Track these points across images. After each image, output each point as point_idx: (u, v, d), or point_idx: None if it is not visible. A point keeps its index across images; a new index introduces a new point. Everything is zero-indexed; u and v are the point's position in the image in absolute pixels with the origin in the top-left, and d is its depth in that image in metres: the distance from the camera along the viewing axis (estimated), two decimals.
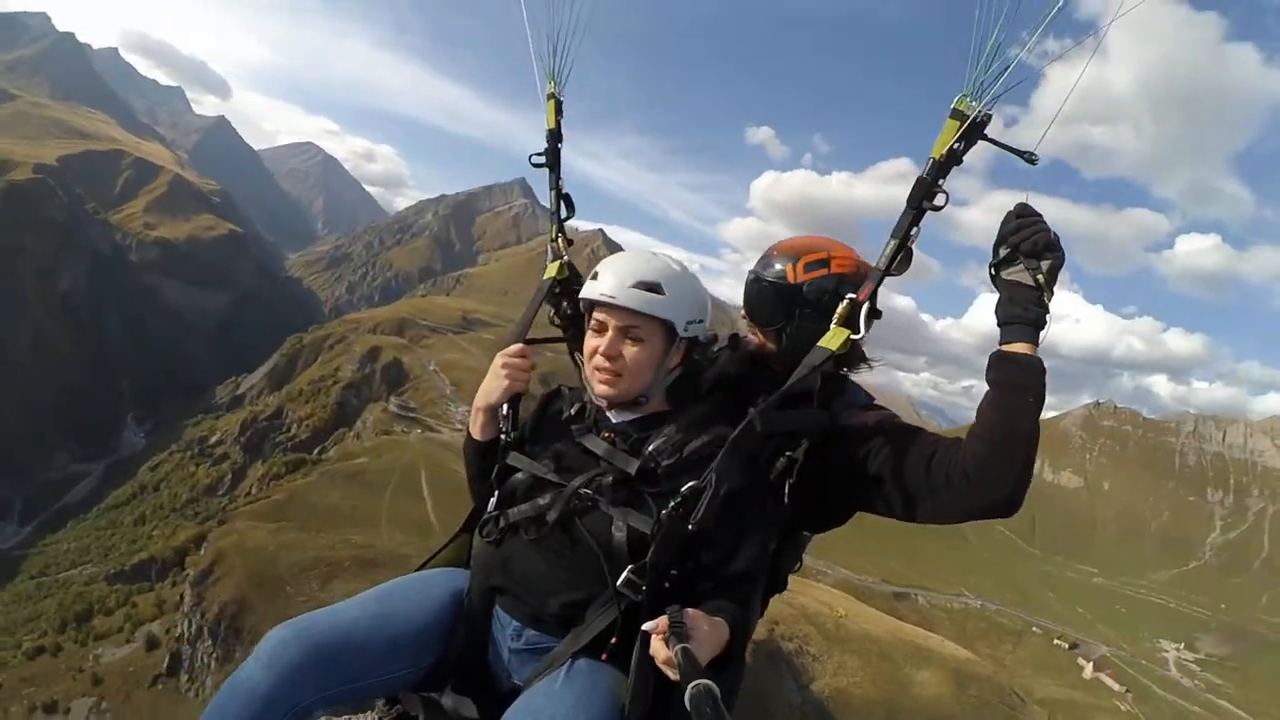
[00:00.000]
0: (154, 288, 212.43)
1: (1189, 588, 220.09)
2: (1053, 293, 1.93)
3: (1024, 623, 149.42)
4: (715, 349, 2.31)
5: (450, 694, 2.16)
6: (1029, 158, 1.90)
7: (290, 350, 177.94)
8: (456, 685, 2.16)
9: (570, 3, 2.57)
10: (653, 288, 2.10)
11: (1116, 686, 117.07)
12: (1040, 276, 1.91)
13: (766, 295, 2.44)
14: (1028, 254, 1.92)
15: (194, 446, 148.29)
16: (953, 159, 1.97)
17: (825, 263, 2.40)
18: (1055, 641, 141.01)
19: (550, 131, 2.79)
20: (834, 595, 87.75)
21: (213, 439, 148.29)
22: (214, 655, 59.84)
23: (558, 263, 2.70)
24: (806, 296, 2.37)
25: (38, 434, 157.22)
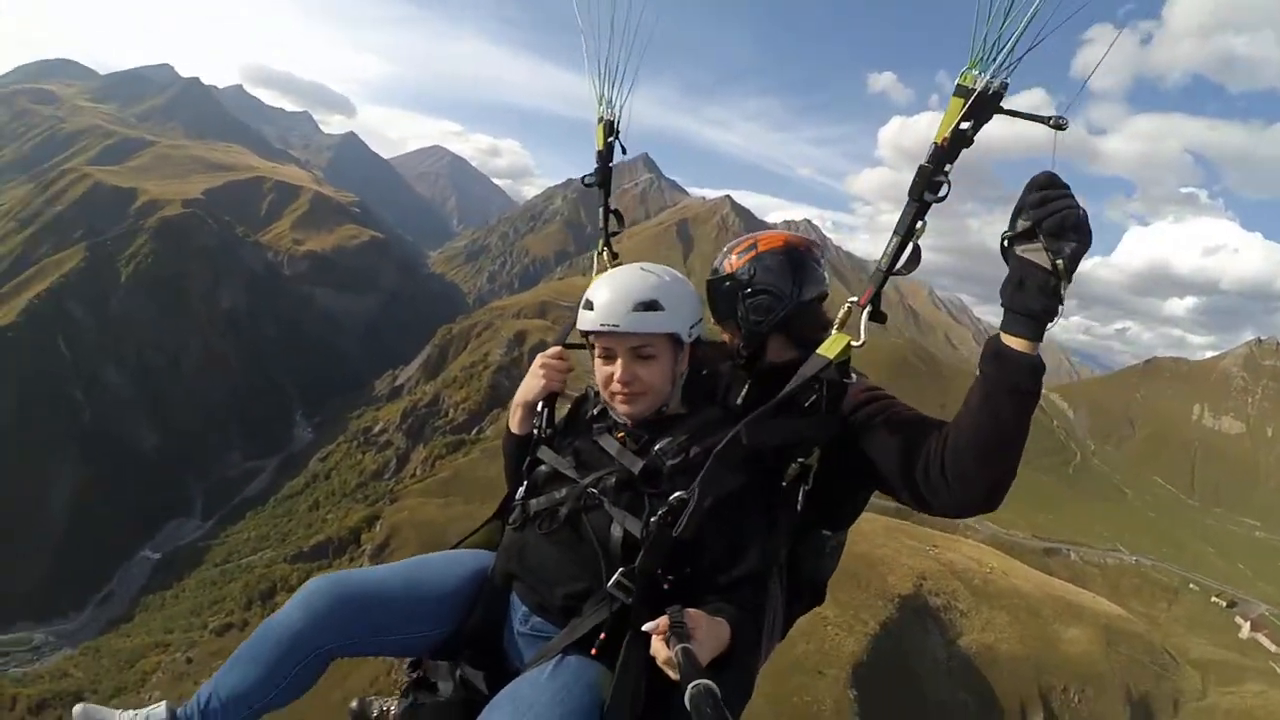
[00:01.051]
0: (308, 297, 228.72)
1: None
2: (1070, 281, 1.72)
3: (1180, 579, 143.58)
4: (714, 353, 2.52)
5: (464, 664, 2.31)
6: (1056, 123, 1.73)
7: (441, 341, 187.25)
8: (471, 658, 2.31)
9: (621, 33, 2.67)
10: (652, 305, 2.15)
11: (1274, 648, 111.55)
12: (1060, 262, 1.69)
13: (715, 292, 2.58)
14: (1050, 233, 1.70)
15: (359, 436, 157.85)
16: (960, 141, 1.82)
17: (753, 246, 2.55)
18: (1213, 599, 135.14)
19: (600, 153, 2.93)
20: (983, 551, 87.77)
21: (376, 428, 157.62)
22: None
23: (603, 274, 2.69)
24: (740, 279, 2.50)
25: (214, 436, 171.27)
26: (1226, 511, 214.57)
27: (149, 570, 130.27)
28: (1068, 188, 1.71)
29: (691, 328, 2.25)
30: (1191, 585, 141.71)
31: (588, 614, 2.08)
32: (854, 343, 2.06)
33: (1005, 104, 1.79)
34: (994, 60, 1.74)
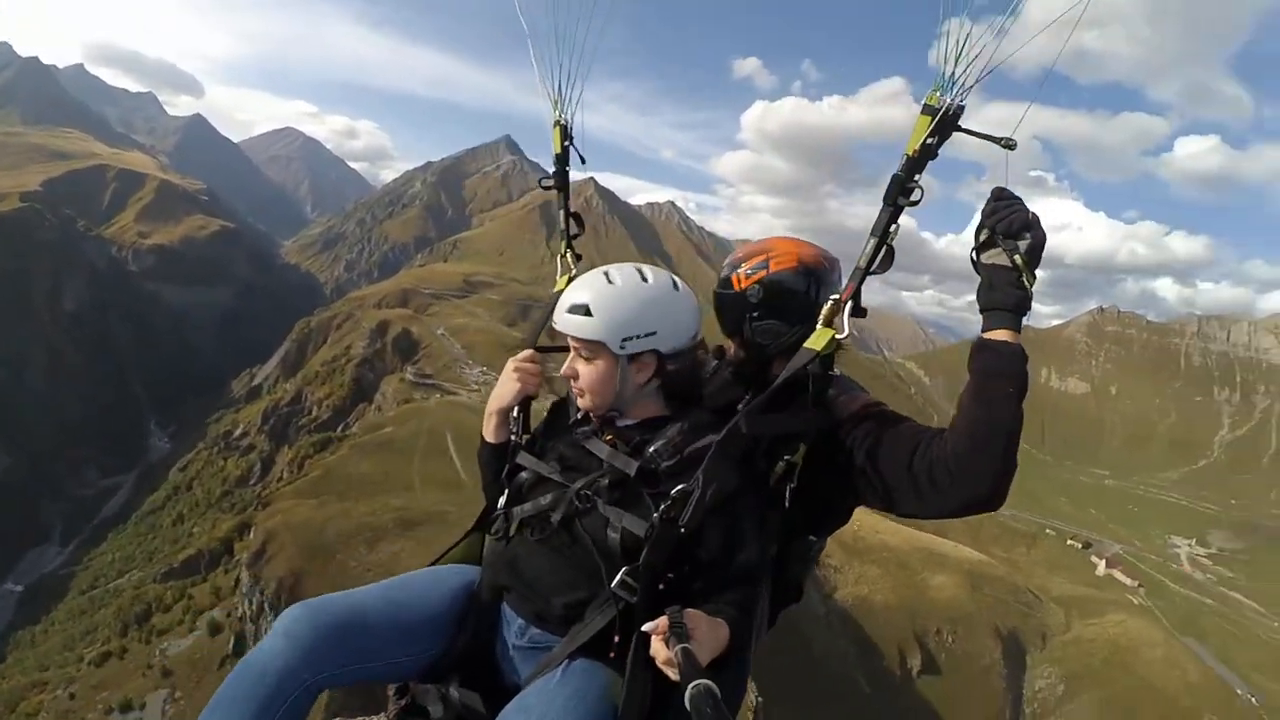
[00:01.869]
0: (155, 293, 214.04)
1: (1199, 485, 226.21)
2: (1034, 275, 1.93)
3: (1037, 526, 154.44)
4: (706, 357, 2.43)
5: (456, 686, 2.22)
6: (1006, 143, 1.90)
7: (299, 335, 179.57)
8: (462, 679, 2.23)
9: (573, 37, 2.69)
10: (582, 310, 2.16)
11: (1129, 582, 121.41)
12: (1018, 257, 1.91)
13: (721, 306, 2.57)
14: (1005, 234, 1.93)
15: (219, 442, 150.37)
16: (927, 154, 1.98)
17: (765, 264, 2.47)
18: (1069, 542, 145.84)
19: (557, 156, 2.93)
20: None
21: (237, 432, 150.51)
22: None
23: (566, 277, 2.79)
24: (749, 300, 2.45)
25: (66, 452, 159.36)
26: (1076, 464, 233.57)
27: (13, 605, 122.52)
28: (1017, 197, 1.96)
29: (625, 341, 2.14)
30: (1048, 530, 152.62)
31: (591, 618, 2.03)
32: (838, 336, 2.11)
33: (962, 122, 1.96)
34: (953, 85, 1.92)
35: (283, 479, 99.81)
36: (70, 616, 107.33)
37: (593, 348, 2.18)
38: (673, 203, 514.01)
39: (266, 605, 63.70)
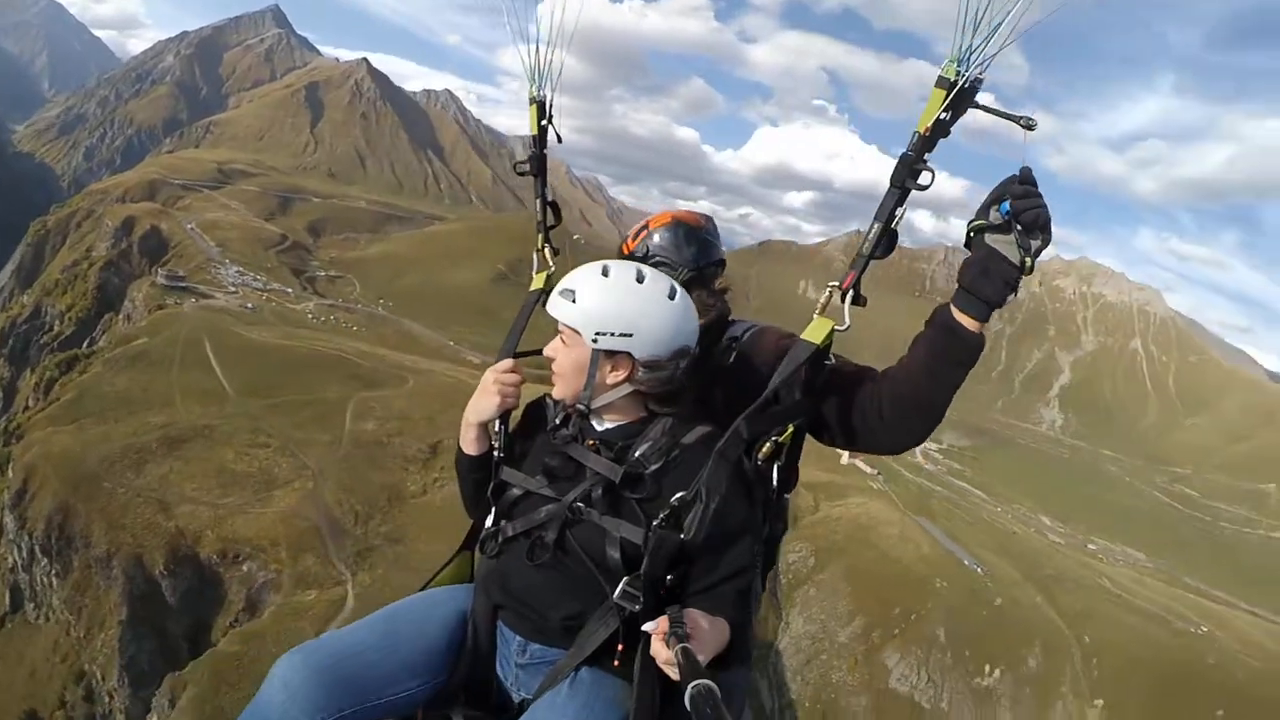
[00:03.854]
0: None
1: None
2: (1030, 275, 1.87)
3: None
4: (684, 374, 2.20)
5: (460, 712, 2.19)
6: (1026, 123, 1.80)
7: (35, 238, 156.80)
8: (466, 703, 2.21)
9: (550, 6, 2.52)
10: (570, 296, 2.10)
11: (869, 470, 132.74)
12: (1029, 260, 1.84)
13: None
14: (1027, 226, 1.83)
15: None
16: (940, 130, 1.87)
17: (644, 227, 2.58)
18: None
19: (534, 137, 2.74)
20: None
21: None
22: (53, 572, 58.18)
23: (544, 274, 2.66)
24: (636, 255, 2.49)
25: None
26: None
27: None
28: (1038, 187, 1.86)
29: (599, 334, 2.08)
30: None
31: (594, 629, 2.02)
32: (838, 326, 2.06)
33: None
34: (970, 59, 1.81)
35: (29, 407, 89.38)
36: None
37: (571, 334, 2.13)
38: (450, 91, 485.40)
39: (38, 550, 58.93)
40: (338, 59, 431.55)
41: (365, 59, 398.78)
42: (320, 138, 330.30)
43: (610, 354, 2.11)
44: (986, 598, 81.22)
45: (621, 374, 2.14)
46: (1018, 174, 1.87)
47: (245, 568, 56.32)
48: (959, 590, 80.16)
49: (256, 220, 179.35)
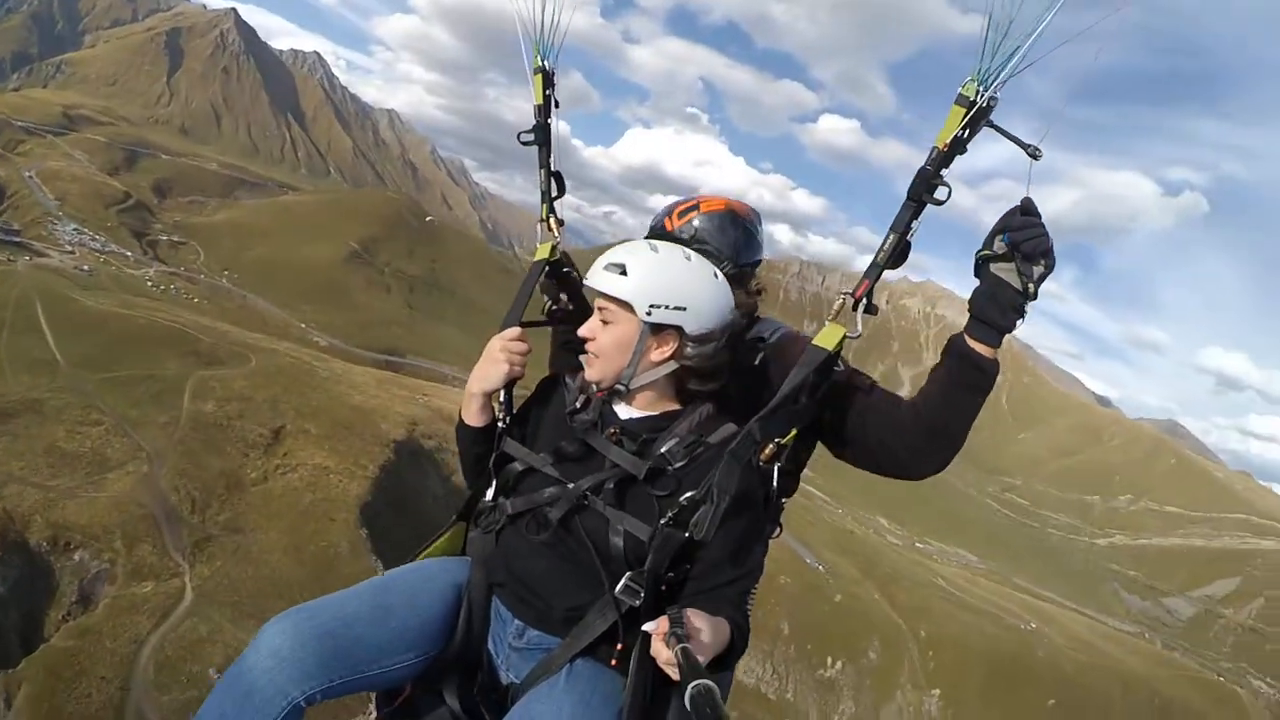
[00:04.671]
0: None
1: None
2: (1036, 299, 1.93)
3: None
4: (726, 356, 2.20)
5: (450, 689, 2.16)
6: (1032, 152, 1.86)
7: None
8: (457, 681, 2.18)
9: None
10: (620, 269, 2.06)
11: None
12: (1032, 285, 1.90)
13: None
14: (1026, 255, 1.89)
15: None
16: (956, 147, 1.91)
17: (695, 207, 2.47)
18: None
19: (538, 107, 2.69)
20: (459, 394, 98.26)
21: None
22: None
23: (548, 244, 2.64)
24: (681, 236, 2.40)
25: None
26: None
27: None
28: (1040, 216, 1.90)
29: (653, 307, 2.04)
30: None
31: (592, 621, 2.00)
32: (850, 334, 2.07)
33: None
34: (989, 80, 1.86)
35: None
36: None
37: (618, 311, 2.08)
38: (319, 54, 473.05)
39: None
40: (205, 5, 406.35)
41: (234, 9, 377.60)
42: (176, 89, 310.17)
43: (658, 329, 2.08)
44: (827, 594, 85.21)
45: (668, 350, 2.10)
46: (1019, 205, 1.92)
47: (78, 557, 50.79)
48: (801, 586, 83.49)
49: (100, 174, 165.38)
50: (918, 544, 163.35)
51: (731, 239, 2.43)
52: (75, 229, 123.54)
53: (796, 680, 74.81)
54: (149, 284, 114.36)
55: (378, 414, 69.77)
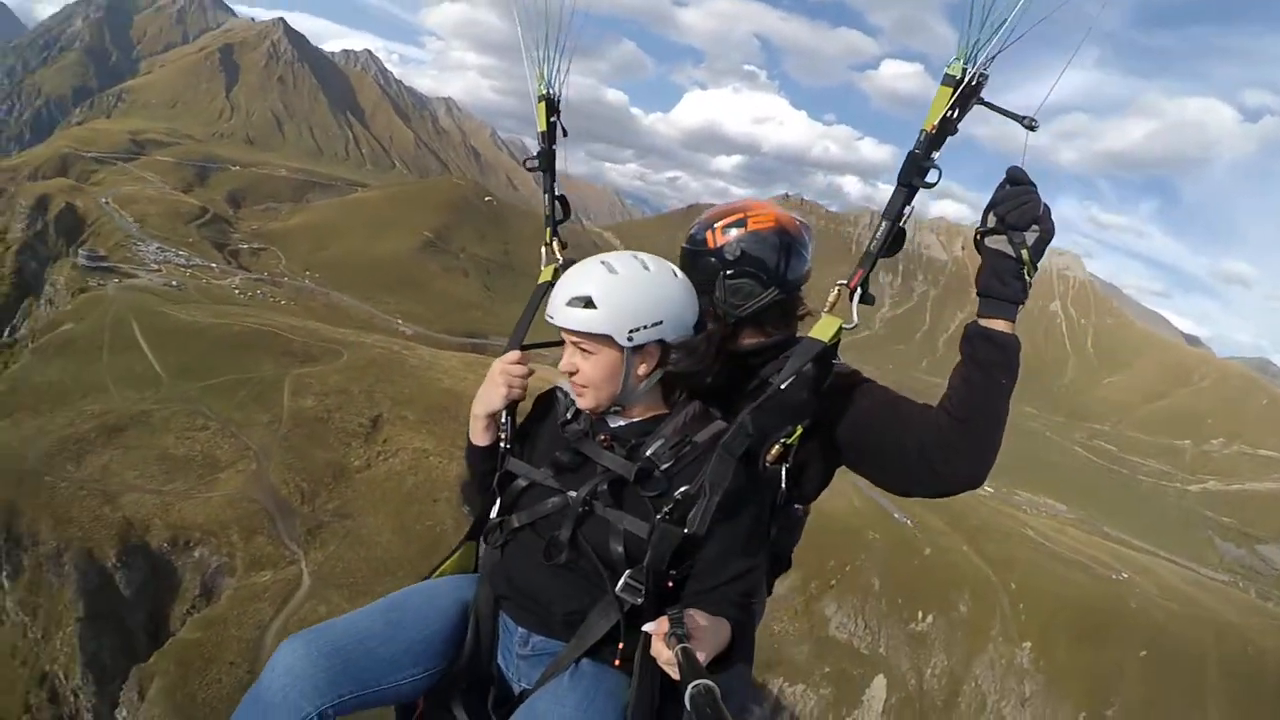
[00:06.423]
0: None
1: (862, 352, 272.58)
2: (1036, 268, 1.87)
3: None
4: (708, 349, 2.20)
5: (460, 701, 2.20)
6: (1029, 123, 1.80)
7: None
8: (467, 693, 2.21)
9: (561, 2, 2.56)
10: (585, 303, 2.02)
11: None
12: (1025, 251, 1.85)
13: (693, 263, 2.36)
14: (1012, 225, 1.86)
15: None
16: (946, 129, 1.86)
17: (742, 223, 2.33)
18: None
19: (542, 133, 2.72)
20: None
21: None
22: (3, 575, 54.46)
23: (552, 267, 2.63)
24: (726, 256, 2.30)
25: None
26: None
27: None
28: (1031, 184, 1.88)
29: (632, 332, 2.03)
30: None
31: (595, 621, 2.02)
32: (845, 325, 2.03)
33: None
34: (976, 56, 1.80)
35: None
36: None
37: (596, 343, 2.06)
38: (370, 51, 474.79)
39: None
40: (253, 18, 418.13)
41: (282, 18, 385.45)
42: (236, 103, 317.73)
43: (639, 348, 2.07)
44: (916, 547, 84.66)
45: (651, 362, 2.11)
46: (1006, 176, 1.91)
47: (197, 554, 54.52)
48: (890, 541, 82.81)
49: (174, 193, 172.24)
50: (1005, 495, 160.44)
51: (779, 261, 2.32)
52: (158, 247, 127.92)
53: (888, 634, 74.97)
54: (236, 292, 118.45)
55: (468, 395, 70.54)
